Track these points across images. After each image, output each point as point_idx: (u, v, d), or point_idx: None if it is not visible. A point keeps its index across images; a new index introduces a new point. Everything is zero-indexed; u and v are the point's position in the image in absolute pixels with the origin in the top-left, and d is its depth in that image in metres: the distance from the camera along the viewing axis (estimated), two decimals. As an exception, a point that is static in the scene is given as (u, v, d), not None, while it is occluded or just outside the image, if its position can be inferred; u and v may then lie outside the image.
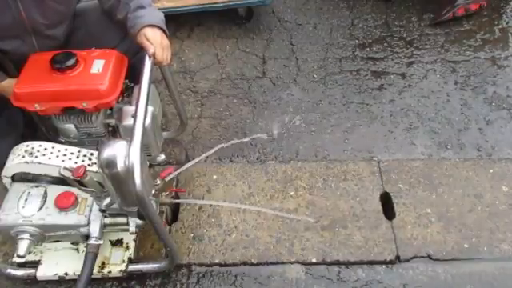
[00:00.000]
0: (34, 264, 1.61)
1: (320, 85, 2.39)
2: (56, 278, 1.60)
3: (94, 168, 1.43)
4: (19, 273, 1.60)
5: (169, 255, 1.60)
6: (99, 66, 1.45)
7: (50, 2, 1.48)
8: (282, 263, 1.71)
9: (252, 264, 1.71)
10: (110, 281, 1.68)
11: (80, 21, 1.67)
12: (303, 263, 1.71)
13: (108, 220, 1.51)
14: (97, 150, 1.50)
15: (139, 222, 1.48)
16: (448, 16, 2.60)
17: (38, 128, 1.72)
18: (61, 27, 1.59)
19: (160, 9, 2.39)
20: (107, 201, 1.43)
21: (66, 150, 1.49)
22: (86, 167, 1.32)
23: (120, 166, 1.24)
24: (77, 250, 1.64)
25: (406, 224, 1.79)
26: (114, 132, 1.61)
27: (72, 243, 1.64)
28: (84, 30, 1.67)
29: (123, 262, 1.61)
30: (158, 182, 1.58)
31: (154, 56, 1.45)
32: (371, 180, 1.93)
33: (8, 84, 1.48)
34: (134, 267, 1.61)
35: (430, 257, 1.71)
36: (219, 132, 2.19)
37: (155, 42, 1.46)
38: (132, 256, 1.63)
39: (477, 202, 1.84)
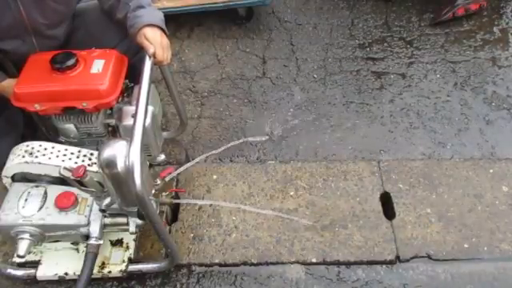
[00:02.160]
0: (34, 264, 1.61)
1: (320, 85, 2.39)
2: (56, 277, 1.60)
3: (94, 168, 1.43)
4: (19, 273, 1.60)
5: (169, 255, 1.60)
6: (99, 66, 1.45)
7: (50, 1, 1.48)
8: (282, 263, 1.71)
9: (252, 264, 1.71)
10: (110, 281, 1.68)
11: (80, 21, 1.67)
12: (303, 263, 1.71)
13: (108, 220, 1.51)
14: (97, 149, 1.50)
15: (139, 221, 1.48)
16: (448, 16, 2.60)
17: (38, 128, 1.72)
18: (61, 27, 1.59)
19: (160, 9, 2.39)
20: (107, 201, 1.43)
21: (66, 149, 1.49)
22: (86, 167, 1.32)
23: (120, 166, 1.24)
24: (77, 249, 1.64)
25: (406, 224, 1.79)
26: (113, 132, 1.61)
27: (72, 243, 1.64)
28: (84, 30, 1.67)
29: (123, 261, 1.61)
30: (158, 182, 1.58)
31: (154, 56, 1.45)
32: (371, 180, 1.93)
33: (8, 84, 1.48)
34: (133, 267, 1.61)
35: (429, 257, 1.71)
36: (219, 132, 2.19)
37: (155, 41, 1.46)
38: (132, 256, 1.63)
39: (477, 202, 1.85)
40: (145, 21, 1.48)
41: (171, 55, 1.56)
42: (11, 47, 1.52)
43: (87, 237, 1.51)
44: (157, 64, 1.49)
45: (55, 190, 1.49)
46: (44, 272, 1.59)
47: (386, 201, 1.88)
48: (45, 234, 1.48)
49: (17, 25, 1.46)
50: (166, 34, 1.54)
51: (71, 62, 1.41)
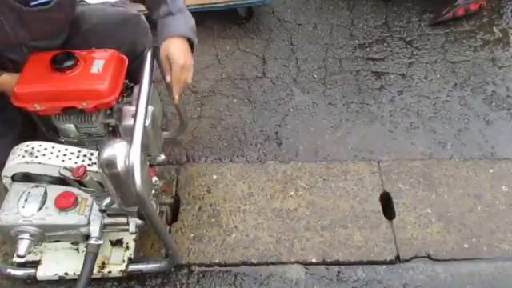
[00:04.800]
0: (34, 264, 1.61)
1: (320, 85, 2.39)
2: (56, 277, 1.60)
3: (94, 168, 1.43)
4: (19, 273, 1.60)
5: (169, 255, 1.60)
6: (99, 66, 1.44)
7: (35, 22, 1.41)
8: (282, 263, 1.71)
9: (252, 264, 1.71)
10: (110, 281, 1.68)
11: (75, 29, 1.63)
12: (303, 263, 1.71)
13: (108, 220, 1.51)
14: (97, 149, 1.50)
15: (139, 221, 1.48)
16: (448, 16, 2.60)
17: (38, 128, 1.71)
18: (52, 39, 1.55)
19: (160, 9, 2.39)
20: (107, 201, 1.43)
21: (66, 149, 1.49)
22: (86, 167, 1.32)
23: (120, 166, 1.24)
24: (77, 249, 1.64)
25: (406, 224, 1.79)
26: (113, 132, 1.61)
27: (72, 243, 1.64)
28: (79, 38, 1.62)
29: (123, 261, 1.61)
30: (158, 182, 1.58)
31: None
32: (371, 180, 1.93)
33: (6, 78, 1.45)
34: (134, 267, 1.61)
35: (429, 257, 1.71)
36: (219, 132, 2.19)
37: (175, 61, 1.39)
38: (132, 256, 1.63)
39: (477, 202, 1.85)
40: (170, 32, 1.40)
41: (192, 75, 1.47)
42: (3, 55, 1.51)
43: (87, 237, 1.51)
44: (175, 92, 1.44)
45: (55, 190, 1.49)
46: (44, 272, 1.59)
47: (386, 201, 1.88)
48: (45, 234, 1.48)
49: (4, 40, 1.42)
50: (193, 45, 1.46)
51: (71, 62, 1.41)
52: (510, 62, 2.46)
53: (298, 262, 1.71)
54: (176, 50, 1.40)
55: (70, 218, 1.47)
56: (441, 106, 2.26)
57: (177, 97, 1.47)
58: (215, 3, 2.49)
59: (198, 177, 1.97)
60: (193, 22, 1.47)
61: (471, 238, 1.75)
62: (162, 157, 1.72)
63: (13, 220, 1.43)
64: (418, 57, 2.50)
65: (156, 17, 1.47)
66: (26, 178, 1.51)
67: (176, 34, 1.41)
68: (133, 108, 1.52)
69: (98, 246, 1.50)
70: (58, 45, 1.59)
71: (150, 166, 1.69)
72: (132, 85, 1.64)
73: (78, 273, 1.50)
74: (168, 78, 1.42)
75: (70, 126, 1.54)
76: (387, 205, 1.87)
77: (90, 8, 1.65)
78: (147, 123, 1.48)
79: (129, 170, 1.16)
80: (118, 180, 1.28)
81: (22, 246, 1.43)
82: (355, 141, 2.13)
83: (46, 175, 1.48)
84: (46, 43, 1.53)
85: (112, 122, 1.57)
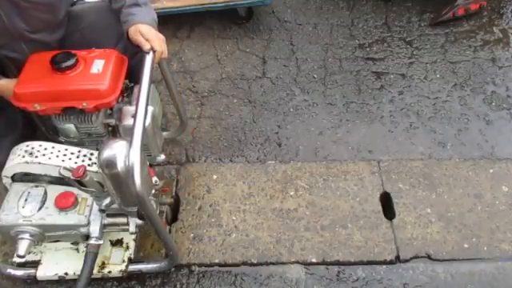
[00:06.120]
0: (34, 264, 1.61)
1: (320, 85, 2.39)
2: (56, 277, 1.60)
3: (94, 168, 1.43)
4: (19, 273, 1.60)
5: (169, 255, 1.60)
6: (99, 66, 1.45)
7: (32, 10, 1.44)
8: (282, 263, 1.71)
9: (252, 264, 1.71)
10: (110, 281, 1.68)
11: (74, 25, 1.64)
12: (303, 263, 1.71)
13: (108, 220, 1.51)
14: (97, 149, 1.50)
15: (139, 221, 1.48)
16: (448, 16, 2.60)
17: (38, 128, 1.72)
18: (49, 32, 1.56)
19: (160, 9, 2.40)
20: (107, 201, 1.43)
21: (66, 149, 1.49)
22: (86, 167, 1.32)
23: (120, 166, 1.24)
24: (77, 249, 1.64)
25: (406, 224, 1.79)
26: (113, 132, 1.61)
27: (72, 243, 1.64)
28: (79, 34, 1.64)
29: (123, 261, 1.61)
30: (158, 182, 1.58)
31: (152, 50, 1.44)
32: (371, 180, 1.93)
33: (5, 84, 1.47)
34: (134, 267, 1.62)
35: (429, 257, 1.71)
36: (219, 132, 2.19)
37: (150, 35, 1.46)
38: (132, 256, 1.63)
39: (477, 202, 1.85)
40: (137, 19, 1.49)
41: (168, 54, 1.57)
42: (3, 53, 1.51)
43: (87, 237, 1.51)
44: (156, 59, 1.48)
45: (55, 190, 1.49)
46: (44, 272, 1.59)
47: (386, 201, 1.88)
48: (45, 234, 1.48)
49: (2, 31, 1.43)
50: None
51: (71, 61, 1.41)
52: (510, 61, 2.46)
53: (298, 262, 1.71)
54: (147, 29, 1.48)
55: (70, 218, 1.47)
56: (441, 106, 2.26)
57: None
58: (215, 3, 2.49)
59: (197, 177, 1.97)
60: (155, 15, 1.58)
61: (471, 238, 1.75)
62: (162, 157, 1.72)
63: (13, 220, 1.43)
64: (418, 57, 2.50)
65: (120, 4, 1.55)
66: (26, 178, 1.51)
67: (142, 22, 1.49)
68: (133, 108, 1.52)
69: (98, 245, 1.50)
70: (56, 40, 1.60)
71: (150, 166, 1.69)
72: (132, 85, 1.64)
73: (78, 273, 1.50)
74: (148, 46, 1.45)
75: (70, 126, 1.54)
76: (387, 205, 1.87)
77: (88, 6, 1.66)
78: (147, 123, 1.48)
79: (129, 170, 1.16)
80: (118, 180, 1.28)
81: (22, 246, 1.43)
82: (355, 141, 2.13)
83: (45, 175, 1.48)
84: (44, 36, 1.54)
85: (112, 121, 1.57)
